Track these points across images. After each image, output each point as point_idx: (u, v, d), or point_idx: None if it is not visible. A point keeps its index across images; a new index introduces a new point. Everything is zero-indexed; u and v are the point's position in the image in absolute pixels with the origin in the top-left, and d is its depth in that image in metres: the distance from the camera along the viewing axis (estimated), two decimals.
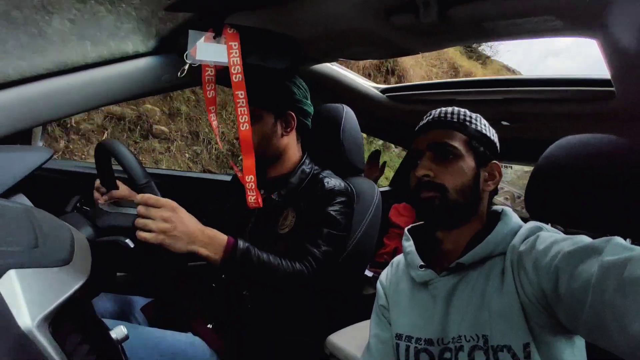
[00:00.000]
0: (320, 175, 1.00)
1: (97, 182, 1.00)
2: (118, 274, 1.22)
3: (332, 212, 0.94)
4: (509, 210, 0.71)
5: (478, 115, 0.75)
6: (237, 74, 0.81)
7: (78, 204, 1.00)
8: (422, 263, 0.71)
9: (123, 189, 1.01)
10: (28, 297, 0.33)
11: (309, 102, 1.07)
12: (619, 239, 0.50)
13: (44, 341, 0.31)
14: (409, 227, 0.81)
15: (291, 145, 1.05)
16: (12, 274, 0.33)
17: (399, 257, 0.83)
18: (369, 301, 0.91)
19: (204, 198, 1.26)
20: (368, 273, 1.71)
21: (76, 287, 0.38)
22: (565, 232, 0.65)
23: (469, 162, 0.69)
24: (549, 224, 0.88)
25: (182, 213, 0.78)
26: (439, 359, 0.66)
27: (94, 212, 0.81)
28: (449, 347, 0.64)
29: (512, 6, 0.66)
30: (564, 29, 0.69)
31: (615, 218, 0.76)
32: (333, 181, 0.99)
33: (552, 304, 0.55)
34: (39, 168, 0.74)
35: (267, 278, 0.86)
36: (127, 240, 0.82)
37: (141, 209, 0.76)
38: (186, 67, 0.83)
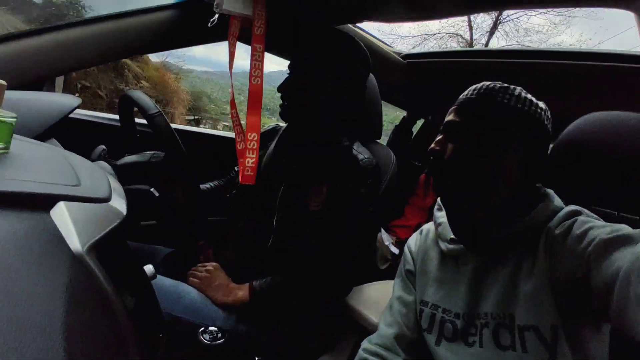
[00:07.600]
0: (354, 151, 0.96)
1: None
2: (142, 222, 1.27)
3: (363, 194, 0.92)
4: (551, 192, 0.67)
5: (512, 88, 0.67)
6: (259, 27, 0.84)
7: (102, 154, 1.03)
8: (453, 236, 0.70)
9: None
10: (76, 227, 0.35)
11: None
12: None
13: (93, 265, 0.34)
14: None
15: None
16: (61, 205, 0.36)
17: (429, 226, 0.82)
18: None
19: (224, 158, 1.26)
20: (394, 250, 1.63)
21: (117, 222, 0.41)
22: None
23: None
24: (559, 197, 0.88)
25: (220, 271, 0.97)
26: (462, 332, 0.66)
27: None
28: (475, 323, 0.65)
29: None
30: None
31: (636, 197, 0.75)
32: (366, 159, 0.95)
33: (583, 290, 0.53)
34: (69, 113, 0.77)
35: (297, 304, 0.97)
36: (152, 190, 0.86)
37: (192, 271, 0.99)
38: (215, 17, 0.82)
